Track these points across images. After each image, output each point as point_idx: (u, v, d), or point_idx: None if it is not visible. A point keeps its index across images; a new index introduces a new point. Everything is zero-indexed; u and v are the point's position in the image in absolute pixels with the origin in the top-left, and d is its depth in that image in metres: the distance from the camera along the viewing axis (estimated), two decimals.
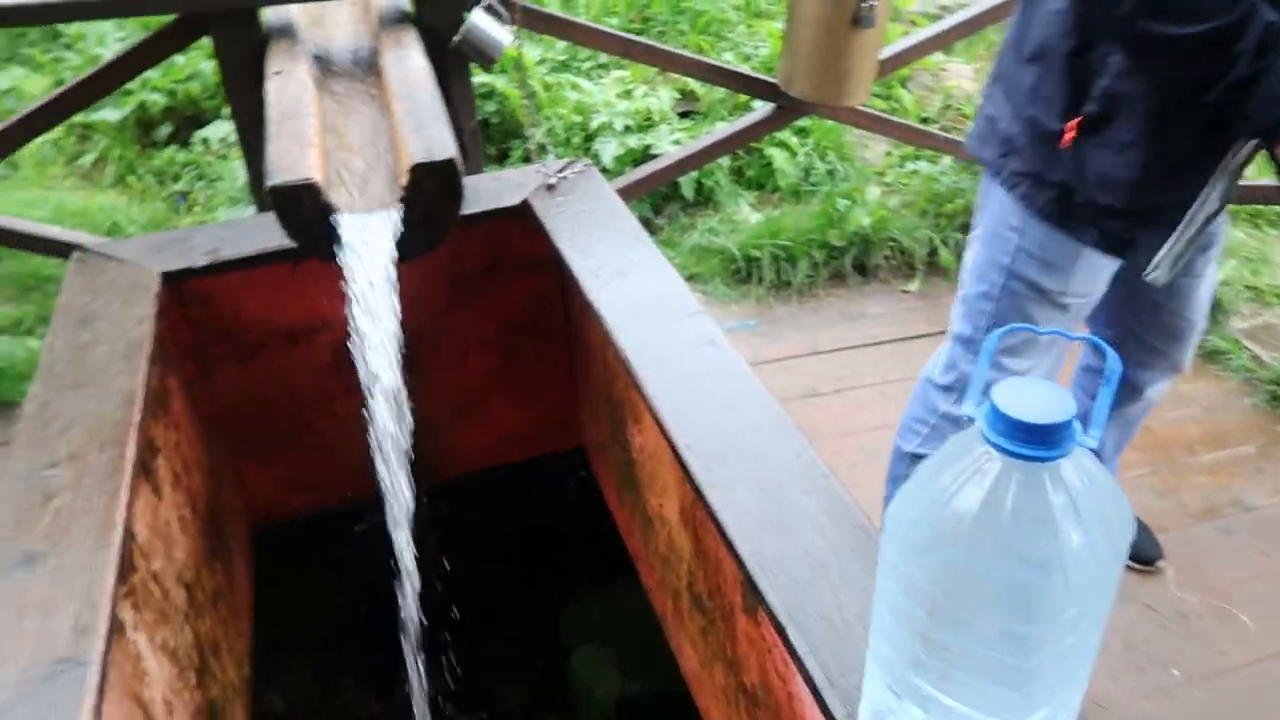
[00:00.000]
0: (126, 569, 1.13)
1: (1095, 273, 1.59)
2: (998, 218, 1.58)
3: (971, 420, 0.66)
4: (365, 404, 1.50)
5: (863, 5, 2.16)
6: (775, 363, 2.54)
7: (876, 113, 2.76)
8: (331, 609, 1.87)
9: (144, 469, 1.30)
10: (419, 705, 1.62)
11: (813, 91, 2.33)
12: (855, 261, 2.89)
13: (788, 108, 2.48)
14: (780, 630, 0.95)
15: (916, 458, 1.85)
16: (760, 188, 3.12)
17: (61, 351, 1.40)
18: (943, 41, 2.67)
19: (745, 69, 2.99)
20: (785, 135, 3.10)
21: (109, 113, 3.18)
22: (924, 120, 3.33)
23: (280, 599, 1.82)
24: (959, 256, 2.90)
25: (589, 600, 1.96)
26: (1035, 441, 0.64)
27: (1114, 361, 0.69)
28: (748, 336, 2.66)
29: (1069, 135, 1.41)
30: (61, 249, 2.16)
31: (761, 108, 2.58)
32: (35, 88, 3.37)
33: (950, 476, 0.68)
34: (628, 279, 1.53)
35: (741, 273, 2.82)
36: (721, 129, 2.71)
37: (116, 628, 1.02)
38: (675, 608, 1.57)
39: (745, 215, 2.97)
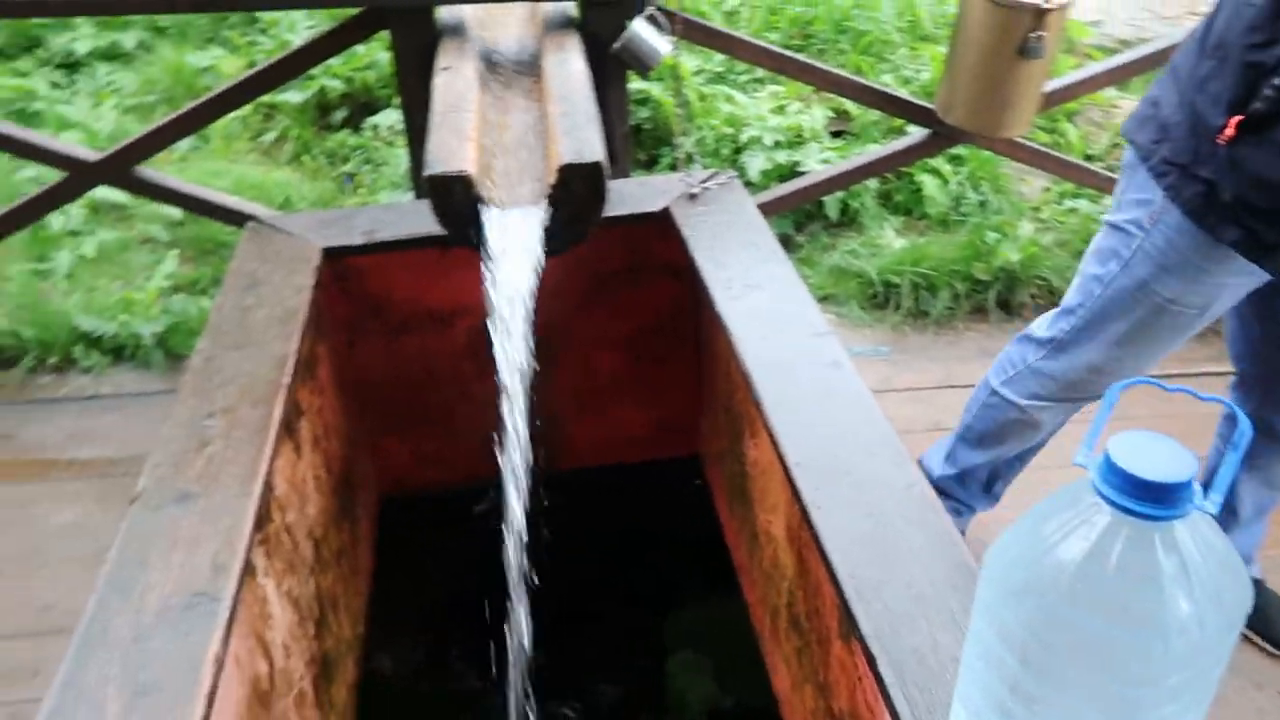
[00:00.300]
0: (264, 518, 1.22)
1: (1218, 287, 1.54)
2: (1131, 211, 1.58)
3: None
4: (495, 389, 1.56)
5: (1031, 35, 2.10)
6: (904, 392, 2.49)
7: (1037, 146, 2.67)
8: (445, 583, 1.94)
9: (288, 428, 1.40)
10: (515, 689, 1.67)
11: (970, 120, 2.27)
12: (999, 297, 2.80)
13: (943, 134, 2.43)
14: (871, 660, 0.95)
15: (996, 394, 1.89)
16: (907, 213, 3.06)
17: (228, 312, 1.51)
18: (1116, 77, 2.56)
19: (903, 92, 2.95)
20: (938, 162, 3.03)
21: (292, 95, 3.41)
22: (1088, 157, 3.19)
23: (399, 566, 1.91)
24: None
25: (692, 608, 1.97)
26: (1149, 499, 0.62)
27: (1245, 425, 0.66)
28: (878, 363, 2.62)
29: (1228, 132, 1.38)
30: (238, 218, 2.32)
31: (916, 132, 2.54)
32: (231, 67, 3.64)
33: (1056, 524, 0.66)
34: (758, 292, 1.54)
35: (879, 298, 2.78)
36: (873, 151, 2.68)
37: (249, 570, 1.11)
38: (773, 626, 1.57)
39: (889, 240, 2.92)
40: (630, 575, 2.00)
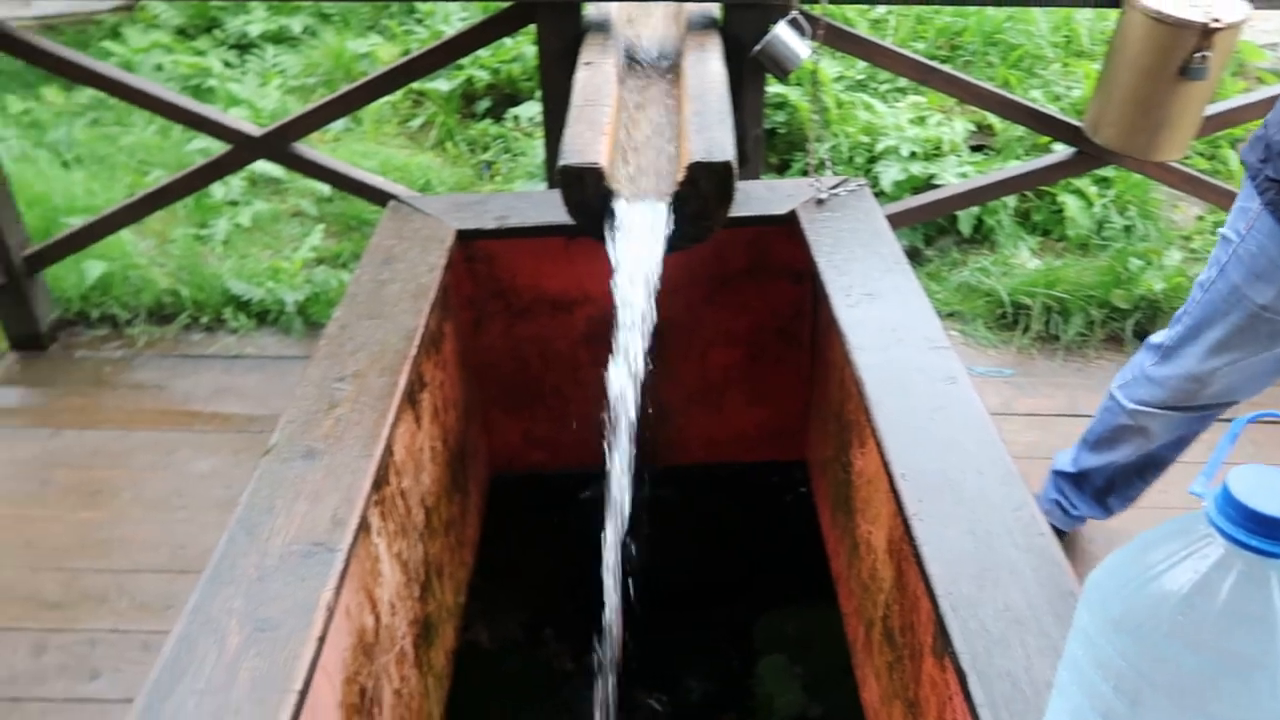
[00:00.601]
0: (381, 480, 1.28)
1: None
2: (1233, 220, 1.62)
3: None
4: (611, 378, 1.60)
5: (1194, 56, 2.00)
6: (1025, 417, 2.41)
7: (1193, 172, 2.54)
8: (547, 563, 1.98)
9: (411, 399, 1.47)
10: (605, 676, 1.70)
11: (1121, 141, 2.18)
12: (1138, 328, 2.67)
13: (1090, 154, 2.33)
14: (962, 680, 0.94)
15: (1112, 397, 1.93)
16: (1045, 234, 2.96)
17: (365, 284, 1.60)
18: None
19: (1051, 109, 2.85)
20: (1083, 183, 2.92)
21: (441, 83, 3.54)
22: None
23: (502, 543, 1.97)
24: None
25: (786, 613, 1.96)
26: (1269, 534, 0.60)
27: None
28: (1000, 384, 2.54)
29: None
30: (382, 197, 2.44)
31: (1062, 150, 2.45)
32: (387, 54, 3.82)
33: (1162, 554, 0.64)
34: (877, 301, 1.53)
35: (1007, 318, 2.70)
36: (1014, 167, 2.60)
37: (364, 527, 1.17)
38: (867, 637, 1.56)
39: (1023, 259, 2.82)
40: (727, 574, 2.00)
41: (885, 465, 1.23)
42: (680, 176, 1.52)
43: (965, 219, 2.85)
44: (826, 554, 1.89)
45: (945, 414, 1.28)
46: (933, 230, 2.93)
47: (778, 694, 1.90)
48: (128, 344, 2.64)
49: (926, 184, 2.91)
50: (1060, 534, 2.09)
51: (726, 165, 1.50)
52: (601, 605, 1.68)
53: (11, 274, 2.47)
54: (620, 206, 1.54)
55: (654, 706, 1.89)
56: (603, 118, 1.65)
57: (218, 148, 2.49)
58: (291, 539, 1.09)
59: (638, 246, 1.53)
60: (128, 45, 3.93)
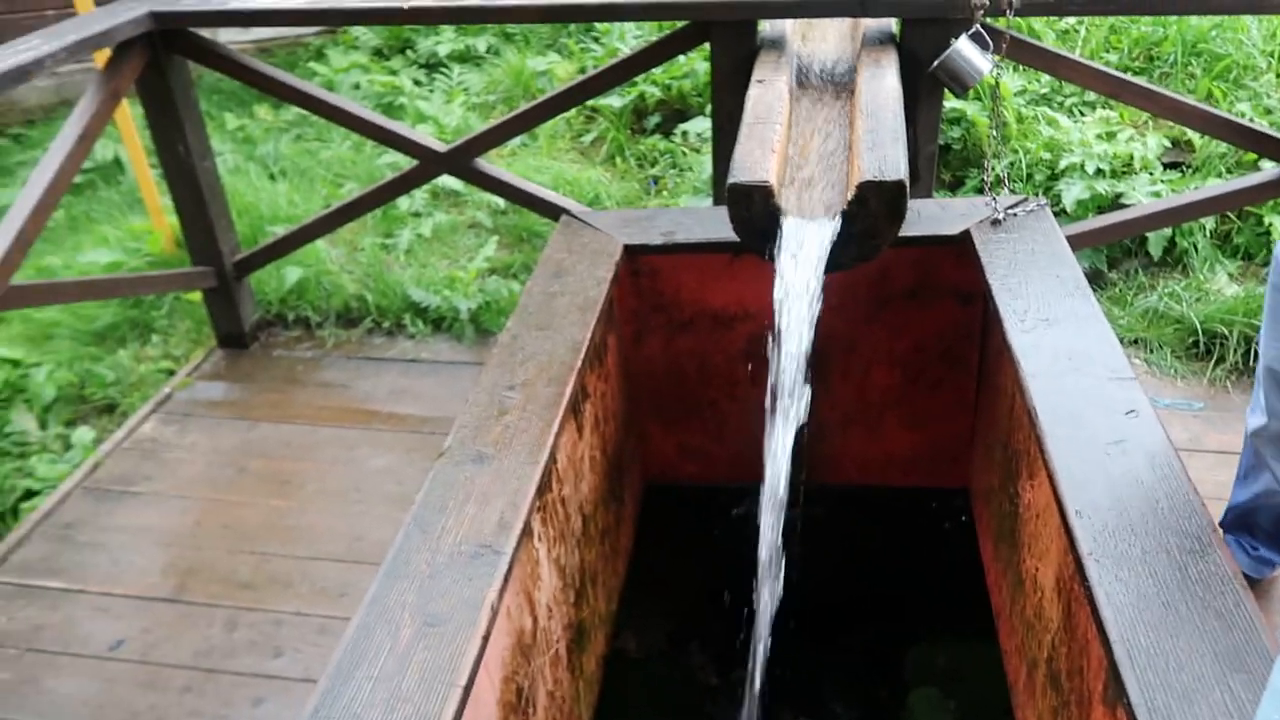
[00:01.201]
0: (544, 487, 1.33)
1: None
2: None
3: None
4: (769, 394, 1.59)
5: None
6: (1215, 454, 2.24)
7: None
8: (695, 575, 1.98)
9: (574, 409, 1.52)
10: (752, 694, 1.69)
11: None
12: None
13: None
14: None
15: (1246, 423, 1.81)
16: (1247, 258, 2.73)
17: (536, 296, 1.66)
18: None
19: (1261, 124, 2.64)
20: None
21: (613, 100, 3.64)
22: None
23: (653, 552, 2.00)
24: None
25: (940, 645, 1.90)
26: None
27: None
28: (1189, 418, 2.37)
29: None
30: (554, 211, 2.53)
31: (1270, 169, 2.26)
32: (564, 72, 3.96)
33: None
34: (1054, 328, 1.46)
35: (1199, 348, 2.51)
36: (1214, 186, 2.42)
37: (527, 532, 1.22)
38: (1029, 678, 1.49)
39: (1220, 285, 2.62)
40: (879, 601, 1.95)
41: (1058, 499, 1.18)
42: (850, 195, 1.50)
43: (1156, 240, 2.68)
44: (987, 586, 1.82)
45: (1124, 449, 1.21)
46: (1118, 252, 2.77)
47: None
48: (318, 345, 2.84)
49: (1114, 203, 2.75)
50: (1252, 582, 1.93)
51: (899, 184, 1.47)
52: (749, 621, 1.68)
53: (223, 278, 2.71)
54: (787, 224, 1.53)
55: None
56: (773, 135, 1.65)
57: (405, 162, 2.64)
58: (461, 539, 1.14)
59: (804, 265, 1.53)
60: (330, 65, 4.24)
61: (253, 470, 2.38)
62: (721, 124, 2.15)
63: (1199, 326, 2.51)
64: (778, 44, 2.07)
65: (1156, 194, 2.72)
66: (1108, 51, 3.28)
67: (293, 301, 2.95)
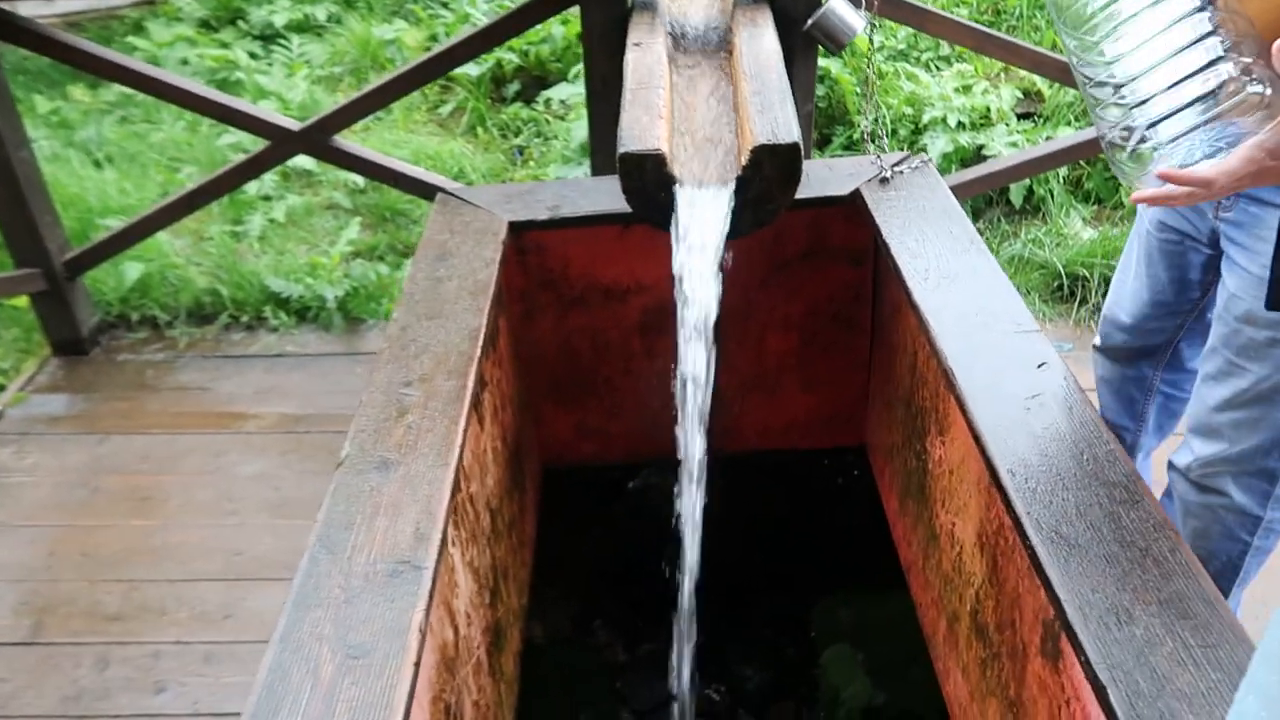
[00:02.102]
0: (454, 488, 1.24)
1: None
2: None
3: None
4: (674, 368, 1.55)
5: None
6: (1089, 392, 2.34)
7: None
8: (593, 555, 1.95)
9: (475, 399, 1.42)
10: (680, 669, 1.66)
11: None
12: None
13: None
14: (1100, 689, 0.88)
15: None
16: (1099, 202, 2.87)
17: (421, 282, 1.55)
18: None
19: None
20: None
21: (470, 68, 3.48)
22: None
23: (553, 536, 1.94)
24: None
25: (847, 600, 1.92)
26: None
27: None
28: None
29: None
30: (421, 188, 2.39)
31: None
32: (413, 39, 3.76)
33: None
34: (957, 284, 1.46)
35: (1063, 291, 2.62)
36: (1066, 135, 2.51)
37: (444, 540, 1.13)
38: (950, 630, 1.51)
39: (1076, 230, 2.74)
40: (777, 561, 1.96)
41: (985, 458, 1.17)
42: (743, 160, 1.46)
43: (1016, 190, 2.77)
44: (893, 540, 1.84)
45: (1041, 401, 1.22)
46: (981, 202, 2.85)
47: (844, 685, 1.85)
48: (169, 345, 2.62)
49: (975, 154, 2.82)
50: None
51: (793, 147, 1.44)
52: (650, 596, 1.65)
53: (53, 279, 2.45)
54: (682, 193, 1.48)
55: (712, 697, 1.86)
56: (658, 101, 1.58)
57: (248, 141, 2.45)
58: (375, 557, 1.05)
59: (702, 233, 1.48)
60: (151, 40, 3.89)
61: (107, 489, 2.17)
62: (596, 89, 2.06)
63: (1062, 270, 2.61)
64: (649, 5, 1.99)
65: (1014, 144, 2.81)
66: (960, 5, 3.37)
67: (136, 300, 2.70)
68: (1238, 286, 1.37)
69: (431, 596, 1.02)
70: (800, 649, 1.89)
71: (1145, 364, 1.75)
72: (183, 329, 2.66)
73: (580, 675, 1.87)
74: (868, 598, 1.90)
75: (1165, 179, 1.06)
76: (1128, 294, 1.68)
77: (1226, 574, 1.56)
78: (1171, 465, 1.58)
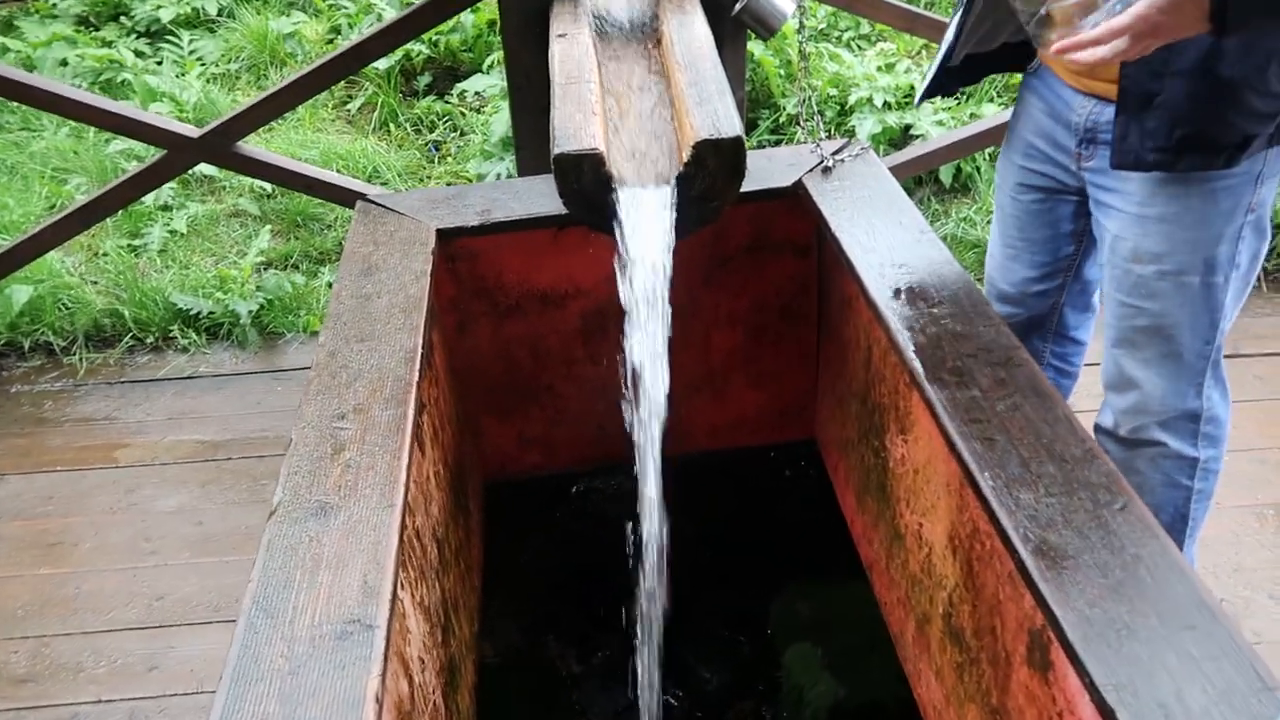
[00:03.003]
0: (401, 527, 1.14)
1: None
2: None
3: None
4: (623, 372, 1.48)
5: None
6: None
7: None
8: (540, 566, 1.88)
9: (416, 426, 1.33)
10: (646, 679, 1.60)
11: None
12: None
13: None
14: (1106, 710, 0.84)
15: None
16: None
17: (347, 301, 1.44)
18: None
19: None
20: None
21: (378, 61, 3.31)
22: None
23: (497, 552, 1.86)
24: None
25: (800, 593, 1.89)
26: None
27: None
28: None
29: None
30: (336, 194, 2.26)
31: None
32: (314, 33, 3.57)
33: None
34: (913, 277, 1.42)
35: None
36: (993, 114, 2.51)
37: (394, 590, 1.03)
38: (920, 632, 1.47)
39: None
40: (739, 558, 1.92)
41: (958, 459, 1.13)
42: (684, 156, 1.39)
43: (945, 169, 2.76)
44: (850, 536, 1.81)
45: (1014, 401, 1.18)
46: (911, 182, 2.84)
47: (808, 684, 1.82)
48: (68, 373, 2.43)
49: (903, 134, 2.80)
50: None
51: (736, 140, 1.37)
52: (600, 603, 1.58)
53: None
54: (622, 193, 1.40)
55: (670, 702, 1.81)
56: (590, 95, 1.50)
57: (142, 148, 2.27)
58: (319, 618, 0.95)
59: (647, 234, 1.40)
60: (24, 39, 3.62)
61: (9, 536, 2.00)
62: (518, 84, 1.96)
63: None
64: None
65: (940, 123, 2.80)
66: None
67: (27, 326, 2.50)
68: (1118, 228, 1.40)
69: (386, 657, 0.93)
70: (757, 647, 1.86)
71: (1035, 337, 1.76)
72: (82, 354, 2.47)
73: (536, 692, 1.80)
74: (825, 592, 1.88)
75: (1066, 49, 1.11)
76: (1005, 267, 1.72)
77: (1177, 525, 1.59)
78: (1098, 428, 1.60)
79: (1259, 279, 2.57)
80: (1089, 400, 1.90)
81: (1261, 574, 1.82)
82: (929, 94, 1.59)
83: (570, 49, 1.66)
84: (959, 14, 1.49)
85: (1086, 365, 1.85)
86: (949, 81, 1.55)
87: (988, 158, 2.83)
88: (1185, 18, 1.04)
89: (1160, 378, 1.45)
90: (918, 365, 1.26)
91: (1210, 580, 1.83)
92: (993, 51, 1.52)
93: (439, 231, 1.62)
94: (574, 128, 1.41)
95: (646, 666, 1.63)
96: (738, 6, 1.89)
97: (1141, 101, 1.26)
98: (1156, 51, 1.12)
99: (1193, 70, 1.20)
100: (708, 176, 1.40)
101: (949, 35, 1.51)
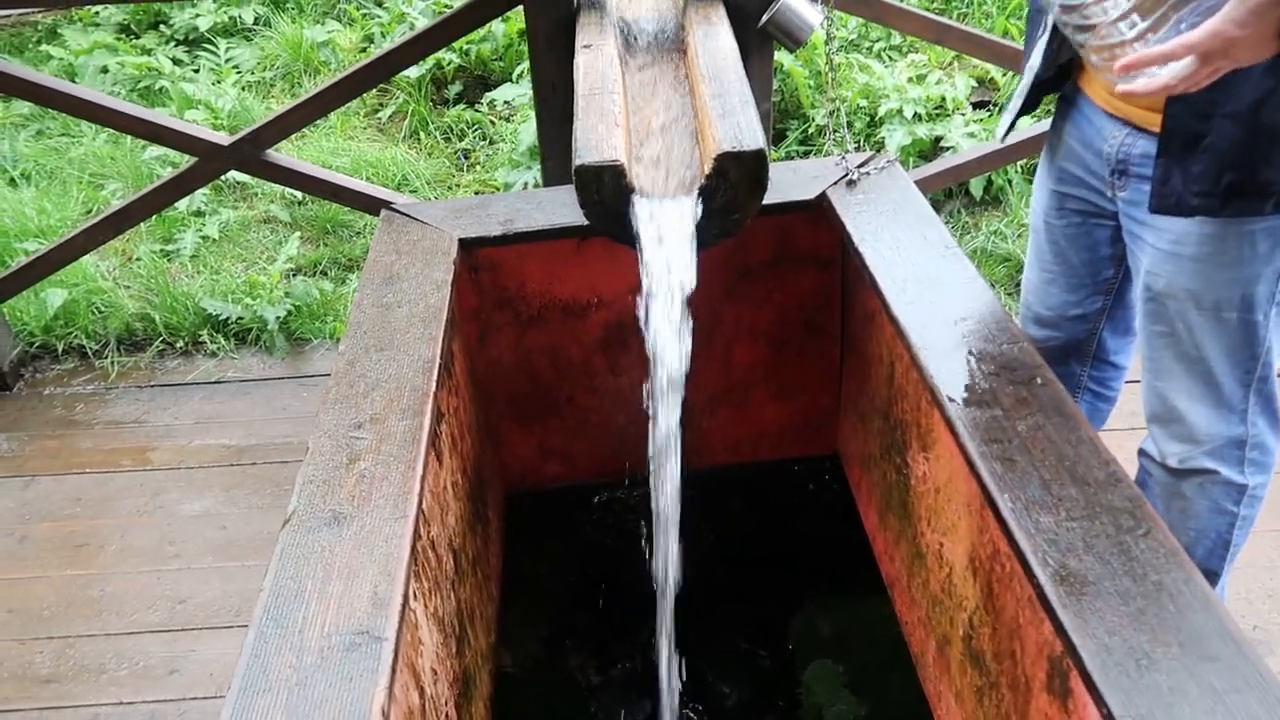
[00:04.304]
0: (414, 537, 1.14)
1: None
2: None
3: None
4: (646, 383, 1.47)
5: None
6: None
7: None
8: (561, 576, 1.88)
9: (432, 436, 1.33)
10: (668, 695, 1.59)
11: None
12: None
13: None
14: None
15: None
16: None
17: (368, 310, 1.44)
18: None
19: None
20: None
21: (409, 70, 3.34)
22: None
23: (519, 561, 1.86)
24: None
25: (821, 608, 1.87)
26: None
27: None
28: None
29: None
30: (363, 201, 2.27)
31: None
32: (347, 41, 3.61)
33: None
34: (936, 293, 1.40)
35: None
36: (1026, 127, 2.47)
37: (405, 601, 1.03)
38: (940, 653, 1.45)
39: None
40: (757, 573, 1.91)
41: (978, 480, 1.11)
42: (707, 168, 1.38)
43: (976, 182, 2.73)
44: (871, 552, 1.79)
45: (1035, 422, 1.16)
46: (941, 194, 2.81)
47: (827, 702, 1.80)
48: (99, 377, 2.46)
49: (933, 146, 2.78)
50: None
51: (758, 153, 1.36)
52: (621, 614, 1.57)
53: None
54: (643, 205, 1.39)
55: (689, 716, 1.80)
56: (613, 107, 1.50)
57: (177, 155, 2.30)
58: (329, 629, 0.95)
59: (669, 245, 1.39)
60: (67, 47, 3.69)
61: (36, 536, 2.03)
62: (545, 94, 1.96)
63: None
64: (597, 4, 1.90)
65: (971, 135, 2.76)
66: None
67: (60, 329, 2.54)
68: (1151, 263, 1.37)
69: (394, 669, 0.93)
70: (778, 662, 1.84)
71: (1073, 361, 1.72)
72: (113, 358, 2.50)
73: (555, 702, 1.80)
74: (846, 608, 1.86)
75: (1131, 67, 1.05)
76: (1043, 290, 1.67)
77: (1218, 551, 1.55)
78: (1143, 453, 1.56)
79: None
80: (1120, 419, 1.86)
81: None
82: (1024, 111, 1.53)
83: (595, 60, 1.66)
84: (1043, 36, 1.43)
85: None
86: (1032, 97, 1.49)
87: (1019, 170, 2.80)
88: (1264, 32, 0.98)
89: (1204, 407, 1.41)
90: (938, 382, 1.24)
91: (1243, 606, 1.79)
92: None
93: (462, 241, 1.63)
94: (596, 139, 1.40)
95: (666, 680, 1.62)
96: (764, 18, 1.89)
97: (1187, 144, 1.21)
98: (1203, 93, 1.07)
99: (1244, 112, 1.15)
100: (729, 188, 1.38)
101: (1035, 59, 1.44)
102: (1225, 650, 0.87)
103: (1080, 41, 1.19)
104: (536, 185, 2.74)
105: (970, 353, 1.28)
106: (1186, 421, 1.44)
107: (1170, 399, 1.44)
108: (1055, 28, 1.37)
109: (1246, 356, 1.36)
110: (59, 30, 3.87)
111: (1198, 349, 1.37)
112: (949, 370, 1.26)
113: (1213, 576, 1.56)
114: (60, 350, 2.52)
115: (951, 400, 1.21)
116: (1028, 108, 1.52)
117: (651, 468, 1.48)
